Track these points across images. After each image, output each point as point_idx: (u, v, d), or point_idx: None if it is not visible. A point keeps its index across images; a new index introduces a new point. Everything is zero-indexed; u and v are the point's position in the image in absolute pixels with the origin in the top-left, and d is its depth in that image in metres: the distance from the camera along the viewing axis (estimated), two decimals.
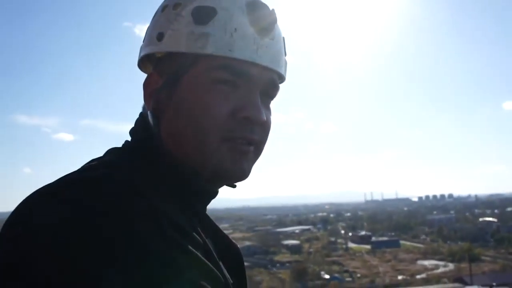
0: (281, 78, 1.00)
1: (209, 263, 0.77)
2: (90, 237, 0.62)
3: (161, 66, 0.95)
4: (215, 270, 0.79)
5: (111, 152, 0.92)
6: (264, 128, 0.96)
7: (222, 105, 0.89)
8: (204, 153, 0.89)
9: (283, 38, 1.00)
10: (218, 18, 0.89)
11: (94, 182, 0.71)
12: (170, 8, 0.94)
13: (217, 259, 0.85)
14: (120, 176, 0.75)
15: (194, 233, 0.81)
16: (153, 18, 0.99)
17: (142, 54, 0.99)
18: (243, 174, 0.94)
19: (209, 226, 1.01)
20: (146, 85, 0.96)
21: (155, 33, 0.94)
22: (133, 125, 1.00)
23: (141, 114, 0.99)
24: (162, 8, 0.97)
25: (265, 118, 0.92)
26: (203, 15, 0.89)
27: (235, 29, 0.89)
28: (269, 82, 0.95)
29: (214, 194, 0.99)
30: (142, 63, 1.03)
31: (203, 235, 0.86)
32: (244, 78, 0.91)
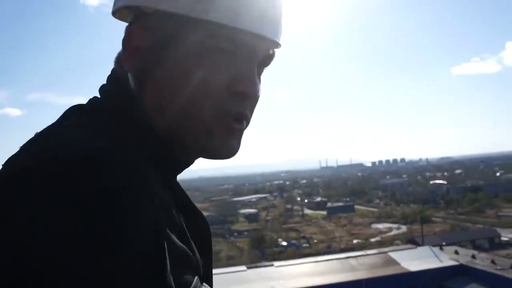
0: (278, 46, 0.90)
1: (184, 247, 0.73)
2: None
3: (149, 22, 0.83)
4: (189, 252, 0.74)
5: (78, 113, 0.82)
6: (255, 102, 0.89)
7: (219, 77, 0.81)
8: (195, 128, 0.83)
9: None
10: None
11: (96, 162, 0.62)
12: None
13: (190, 238, 0.79)
14: (118, 153, 0.66)
15: (174, 212, 0.76)
16: None
17: (122, 4, 0.87)
18: (233, 152, 0.88)
19: (181, 196, 0.92)
20: (127, 39, 0.85)
21: None
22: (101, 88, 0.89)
23: (113, 70, 0.90)
24: None
25: (259, 92, 0.87)
26: None
27: None
28: (268, 53, 0.89)
29: (190, 165, 0.94)
30: (118, 11, 0.89)
31: (178, 213, 0.79)
32: (246, 49, 0.83)
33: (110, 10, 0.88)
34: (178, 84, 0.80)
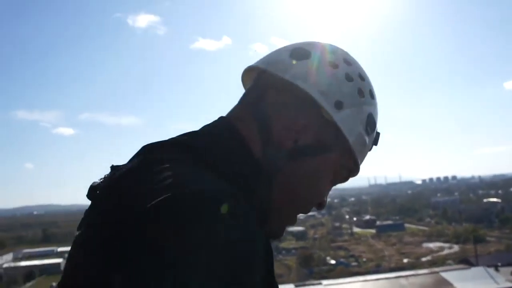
0: None
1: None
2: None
3: (321, 123, 0.92)
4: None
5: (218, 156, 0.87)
6: None
7: (324, 194, 1.02)
8: (283, 221, 0.97)
9: None
10: (374, 129, 1.02)
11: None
12: (356, 89, 0.95)
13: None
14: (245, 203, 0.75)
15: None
16: (329, 70, 0.95)
17: (309, 90, 0.92)
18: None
19: None
20: (297, 119, 0.91)
21: (334, 98, 0.92)
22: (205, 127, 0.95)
23: (234, 129, 0.92)
24: (346, 76, 0.95)
25: None
26: (370, 125, 0.99)
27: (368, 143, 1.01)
28: None
29: None
30: (289, 83, 0.93)
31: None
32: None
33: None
34: (305, 184, 0.93)
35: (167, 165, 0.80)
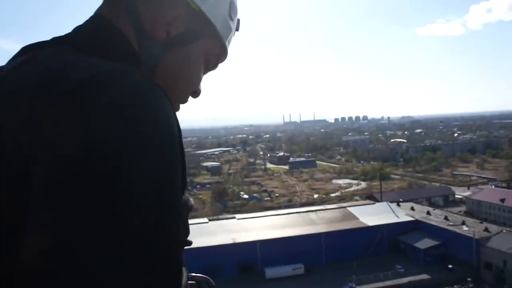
0: None
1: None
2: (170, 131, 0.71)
3: (187, 11, 0.95)
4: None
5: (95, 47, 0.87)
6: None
7: (197, 84, 1.04)
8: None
9: None
10: (236, 14, 1.07)
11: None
12: None
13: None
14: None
15: None
16: None
17: None
18: None
19: None
20: (166, 11, 0.93)
21: None
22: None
23: (111, 25, 0.92)
24: None
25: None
26: (233, 11, 1.04)
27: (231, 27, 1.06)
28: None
29: None
30: None
31: None
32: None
33: None
34: (176, 74, 0.96)
35: (58, 56, 0.78)
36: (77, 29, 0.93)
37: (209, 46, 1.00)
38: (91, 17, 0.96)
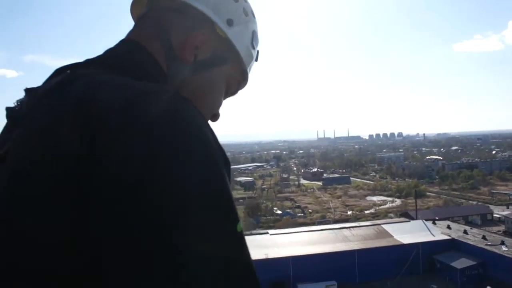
0: None
1: None
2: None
3: (214, 37, 1.00)
4: None
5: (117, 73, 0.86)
6: None
7: (218, 106, 1.08)
8: None
9: None
10: (257, 44, 1.13)
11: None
12: (241, 8, 1.07)
13: None
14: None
15: None
16: None
17: (201, 8, 1.00)
18: None
19: None
20: (195, 36, 0.98)
21: (225, 16, 1.02)
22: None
23: (142, 47, 0.95)
24: None
25: None
26: (255, 41, 1.11)
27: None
28: None
29: None
30: (186, 5, 1.00)
31: None
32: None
33: None
34: (199, 97, 0.99)
35: (93, 77, 0.79)
36: (109, 51, 0.95)
37: (231, 71, 1.05)
38: (123, 40, 0.99)
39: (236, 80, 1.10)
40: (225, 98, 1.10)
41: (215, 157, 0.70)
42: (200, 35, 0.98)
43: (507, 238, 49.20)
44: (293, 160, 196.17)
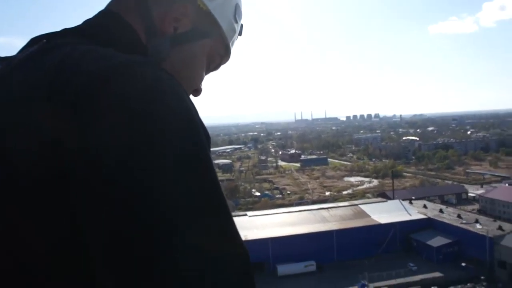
0: None
1: None
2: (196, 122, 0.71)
3: (195, 9, 0.97)
4: None
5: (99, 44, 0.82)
6: None
7: (200, 81, 1.06)
8: None
9: None
10: (240, 18, 1.10)
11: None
12: None
13: None
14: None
15: None
16: None
17: None
18: None
19: None
20: (176, 8, 0.96)
21: None
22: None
23: (121, 18, 0.94)
24: None
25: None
26: (238, 14, 1.08)
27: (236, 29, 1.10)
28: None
29: None
30: None
31: None
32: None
33: None
34: (180, 71, 0.96)
35: (72, 46, 0.77)
36: (88, 22, 0.94)
37: (213, 45, 1.03)
38: (101, 11, 0.98)
39: (219, 54, 1.07)
40: (207, 73, 1.09)
41: (198, 128, 0.69)
42: (180, 7, 0.96)
43: (481, 217, 50.33)
44: (270, 142, 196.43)
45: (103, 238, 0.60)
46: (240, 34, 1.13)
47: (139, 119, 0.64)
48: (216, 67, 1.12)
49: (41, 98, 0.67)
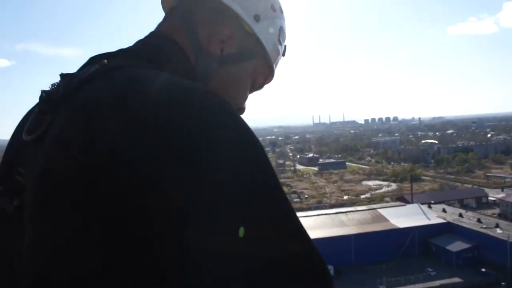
0: None
1: None
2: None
3: (241, 34, 1.02)
4: None
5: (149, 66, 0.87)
6: None
7: (244, 100, 1.09)
8: None
9: None
10: (284, 40, 1.14)
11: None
12: (269, 4, 1.07)
13: None
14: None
15: None
16: None
17: (232, 5, 1.01)
18: None
19: None
20: (221, 30, 1.00)
21: (253, 12, 1.03)
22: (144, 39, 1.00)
23: (170, 39, 0.98)
24: None
25: None
26: (282, 37, 1.11)
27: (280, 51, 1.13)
28: None
29: None
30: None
31: None
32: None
33: None
34: (225, 90, 1.00)
35: (133, 69, 0.80)
36: (141, 43, 0.97)
37: (258, 66, 1.06)
38: (153, 32, 1.01)
39: (263, 74, 1.11)
40: (251, 92, 1.12)
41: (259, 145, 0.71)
42: (226, 30, 0.99)
43: (501, 221, 49.66)
44: (288, 145, 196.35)
45: None
46: (283, 55, 1.15)
47: (216, 144, 0.65)
48: (260, 87, 1.15)
49: (106, 123, 0.67)
